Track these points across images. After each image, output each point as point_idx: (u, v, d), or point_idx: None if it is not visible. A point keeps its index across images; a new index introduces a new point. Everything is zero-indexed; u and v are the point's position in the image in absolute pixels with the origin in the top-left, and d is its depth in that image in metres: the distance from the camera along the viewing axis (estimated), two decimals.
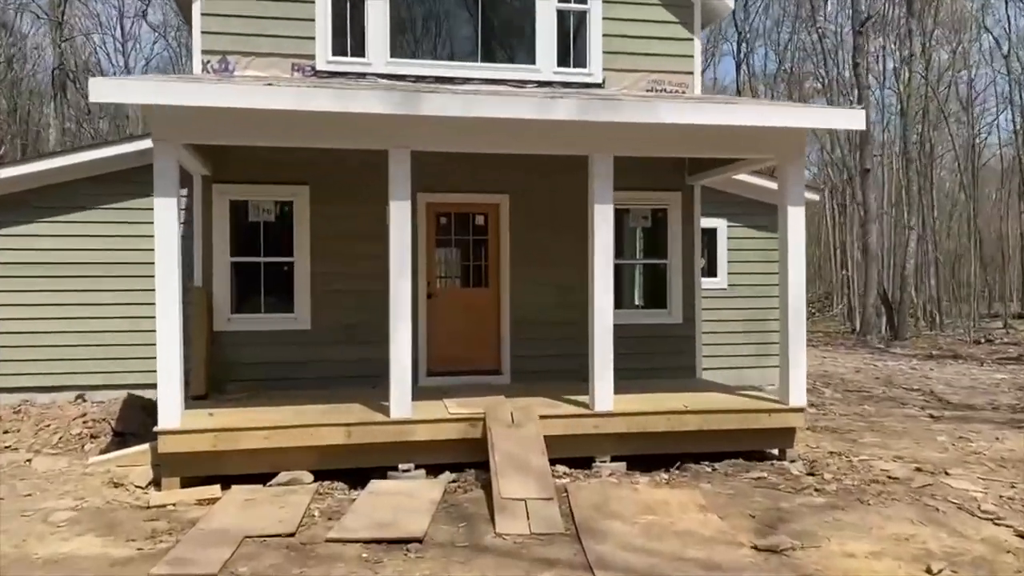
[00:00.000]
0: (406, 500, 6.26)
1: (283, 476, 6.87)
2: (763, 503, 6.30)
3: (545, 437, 7.06)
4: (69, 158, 10.84)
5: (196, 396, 8.42)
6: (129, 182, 10.71)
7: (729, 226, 13.34)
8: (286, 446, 6.92)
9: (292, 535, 5.60)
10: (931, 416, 10.55)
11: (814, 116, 7.54)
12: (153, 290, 6.79)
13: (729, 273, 13.34)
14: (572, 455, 7.45)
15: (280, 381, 8.89)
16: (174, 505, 6.37)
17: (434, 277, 9.61)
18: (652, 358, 9.69)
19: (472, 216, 9.74)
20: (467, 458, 7.26)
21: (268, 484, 6.83)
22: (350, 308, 9.10)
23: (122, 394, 9.88)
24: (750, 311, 13.34)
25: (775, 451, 7.96)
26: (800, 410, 7.83)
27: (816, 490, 6.67)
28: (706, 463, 7.63)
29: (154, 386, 10.11)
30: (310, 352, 9.07)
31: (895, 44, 28.63)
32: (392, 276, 7.14)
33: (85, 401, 10.58)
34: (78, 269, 10.80)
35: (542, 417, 7.31)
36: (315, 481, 6.91)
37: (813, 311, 31.68)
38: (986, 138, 33.83)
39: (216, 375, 8.78)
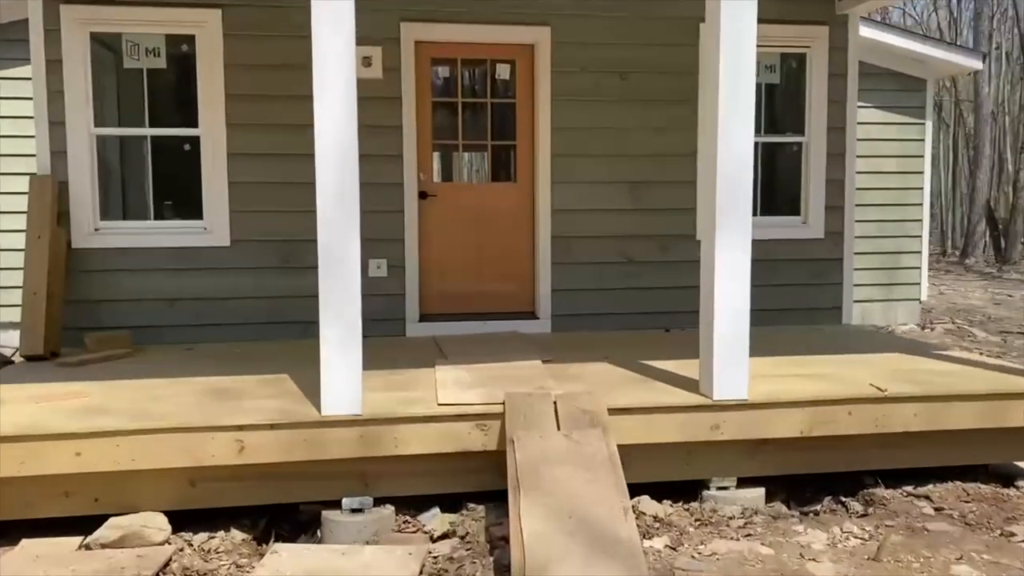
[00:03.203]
0: None
1: (109, 529, 3.51)
2: None
3: (618, 447, 3.64)
4: None
5: (31, 356, 5.10)
6: None
7: (857, 107, 9.49)
8: (119, 470, 3.58)
9: None
10: None
11: None
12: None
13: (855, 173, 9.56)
14: (667, 478, 4.04)
15: (178, 329, 5.55)
16: None
17: (429, 166, 6.06)
18: (776, 293, 6.14)
19: (491, 65, 6.12)
20: (471, 484, 3.88)
21: (84, 542, 3.53)
22: (293, 214, 5.64)
23: None
24: (879, 224, 9.72)
25: (1020, 464, 4.49)
26: None
27: None
28: (908, 488, 4.19)
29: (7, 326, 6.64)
30: (228, 282, 5.66)
31: None
32: (320, 150, 3.62)
33: None
34: None
35: (613, 412, 3.85)
36: (174, 534, 3.59)
37: None
38: None
39: (72, 320, 5.44)
